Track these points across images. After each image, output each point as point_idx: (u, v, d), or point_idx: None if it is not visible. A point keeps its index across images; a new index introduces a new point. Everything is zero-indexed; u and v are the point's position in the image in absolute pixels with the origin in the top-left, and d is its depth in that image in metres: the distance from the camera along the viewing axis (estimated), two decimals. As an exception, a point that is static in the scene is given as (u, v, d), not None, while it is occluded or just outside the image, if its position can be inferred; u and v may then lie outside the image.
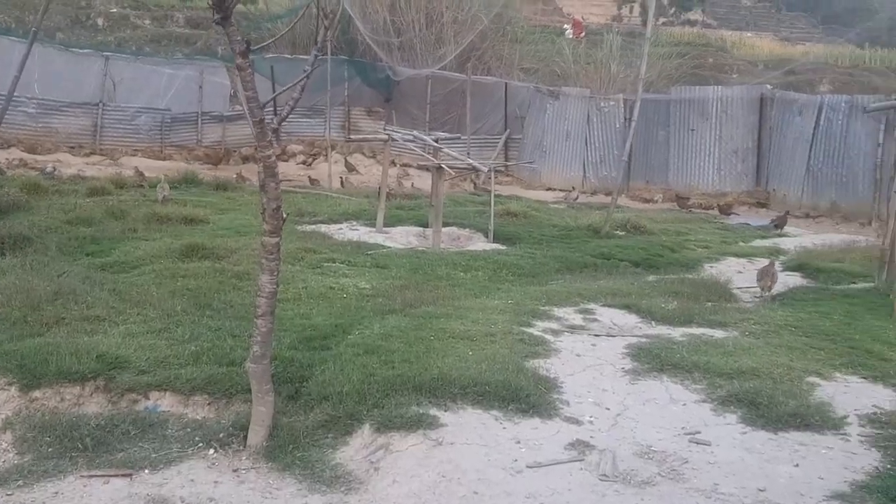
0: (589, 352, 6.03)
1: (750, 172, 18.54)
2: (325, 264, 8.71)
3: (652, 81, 22.56)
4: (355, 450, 4.39)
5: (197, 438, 4.62)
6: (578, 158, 20.73)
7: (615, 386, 5.35)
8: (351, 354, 5.57)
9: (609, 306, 7.40)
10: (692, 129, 18.94)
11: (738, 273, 9.76)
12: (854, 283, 8.77)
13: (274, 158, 4.38)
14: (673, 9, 46.10)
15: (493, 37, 24.78)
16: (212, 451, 4.49)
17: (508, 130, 22.50)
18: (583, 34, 34.02)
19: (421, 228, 11.84)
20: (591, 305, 7.43)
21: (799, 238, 13.29)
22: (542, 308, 7.18)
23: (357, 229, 11.54)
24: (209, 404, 5.02)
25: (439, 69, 22.33)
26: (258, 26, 25.21)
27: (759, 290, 8.33)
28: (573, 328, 6.68)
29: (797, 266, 9.63)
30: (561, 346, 6.10)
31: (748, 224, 14.50)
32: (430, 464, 4.13)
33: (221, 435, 4.58)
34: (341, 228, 11.59)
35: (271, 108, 17.57)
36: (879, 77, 41.35)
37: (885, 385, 5.36)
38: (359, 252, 9.57)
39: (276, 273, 4.47)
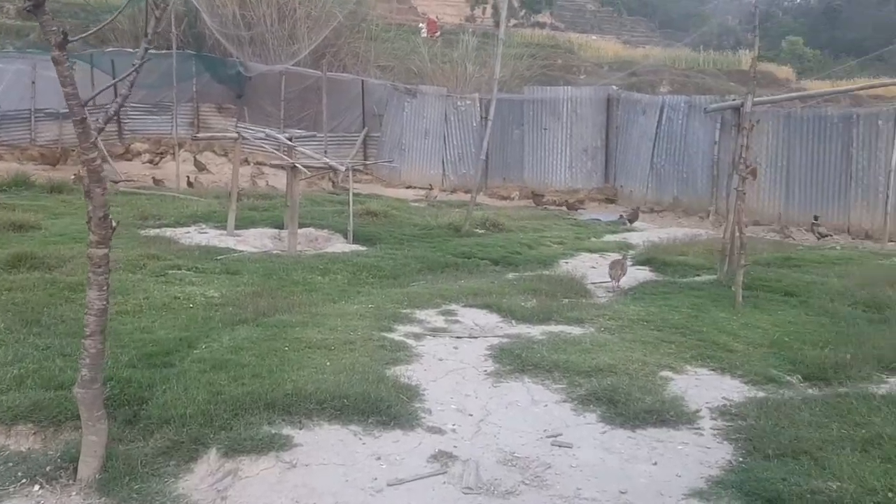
0: (451, 355, 5.91)
1: (599, 170, 19.27)
2: (170, 272, 8.12)
3: (506, 81, 22.93)
4: (200, 478, 4.01)
5: (20, 474, 4.08)
6: (437, 156, 20.79)
7: (478, 390, 5.24)
8: (196, 371, 5.15)
9: (471, 307, 7.33)
10: (545, 129, 19.44)
11: (592, 268, 10.01)
12: (698, 275, 9.19)
13: (99, 162, 3.94)
14: (523, 11, 47.65)
15: (348, 33, 24.41)
16: (37, 487, 3.98)
17: (367, 128, 22.22)
18: (437, 34, 34.30)
19: (276, 230, 11.36)
20: (453, 306, 7.33)
21: (646, 233, 13.90)
22: (404, 311, 7.01)
23: (206, 232, 10.92)
24: (34, 434, 4.46)
25: (293, 65, 21.70)
26: (98, 18, 23.56)
27: (610, 281, 8.59)
28: (435, 331, 6.54)
29: (645, 260, 10.01)
30: (423, 351, 5.95)
31: (599, 220, 15.02)
32: (282, 489, 3.83)
33: (48, 468, 4.07)
34: (189, 232, 10.93)
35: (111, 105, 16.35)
36: (712, 78, 44.43)
37: (733, 376, 5.57)
38: (208, 257, 9.02)
39: (105, 288, 4.01)
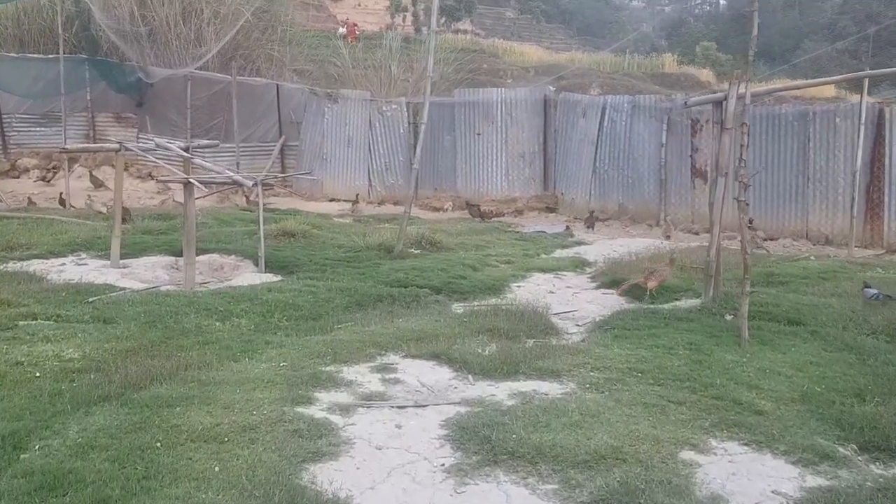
0: (393, 439, 4.30)
1: (537, 176, 17.93)
2: (21, 323, 6.25)
3: (435, 83, 21.50)
4: None
5: None
6: (363, 166, 19.11)
7: (435, 500, 3.65)
8: (18, 494, 3.41)
9: (414, 357, 5.73)
10: (478, 133, 17.99)
11: (550, 293, 8.54)
12: (677, 299, 7.83)
13: None
14: (444, 18, 47.05)
15: (259, 35, 22.47)
16: None
17: (284, 136, 20.36)
18: (357, 38, 32.66)
19: (173, 258, 9.54)
20: (392, 358, 5.72)
21: (597, 245, 12.58)
22: (327, 369, 5.35)
23: (85, 264, 9.00)
24: None
25: (198, 69, 19.67)
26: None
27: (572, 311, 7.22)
28: (370, 399, 4.91)
29: (612, 282, 8.59)
30: (354, 435, 4.32)
31: (544, 232, 13.63)
32: None
33: None
34: (64, 264, 8.98)
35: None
36: (638, 81, 44.26)
37: (774, 453, 4.15)
38: (77, 299, 7.14)
39: None
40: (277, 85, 20.46)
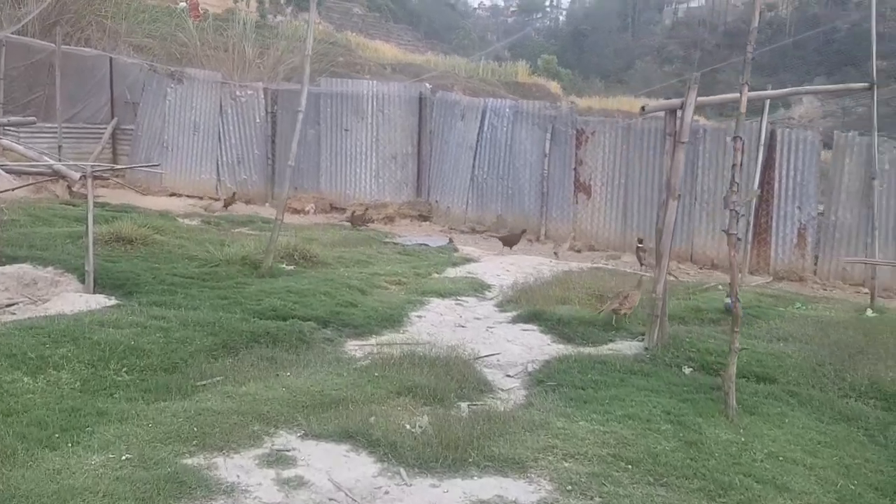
0: None
1: (410, 181, 16.51)
2: None
3: (295, 68, 19.61)
4: None
5: None
6: (211, 157, 16.85)
7: None
8: None
9: (318, 438, 4.12)
10: (346, 129, 16.30)
11: (460, 327, 7.14)
12: (612, 340, 6.66)
13: None
14: (290, 7, 45.16)
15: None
16: None
17: (116, 119, 17.68)
18: (200, 17, 29.85)
19: (-34, 268, 7.23)
20: (286, 439, 4.08)
21: (486, 262, 11.36)
22: (194, 463, 3.64)
23: None
24: None
25: (15, 34, 16.59)
26: None
27: (492, 355, 5.89)
28: (265, 520, 3.26)
29: (530, 315, 7.31)
30: None
31: (427, 245, 12.21)
32: None
33: None
34: None
35: None
36: (492, 87, 44.21)
37: None
38: None
39: None
40: (111, 58, 17.71)
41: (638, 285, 7.26)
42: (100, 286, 7.05)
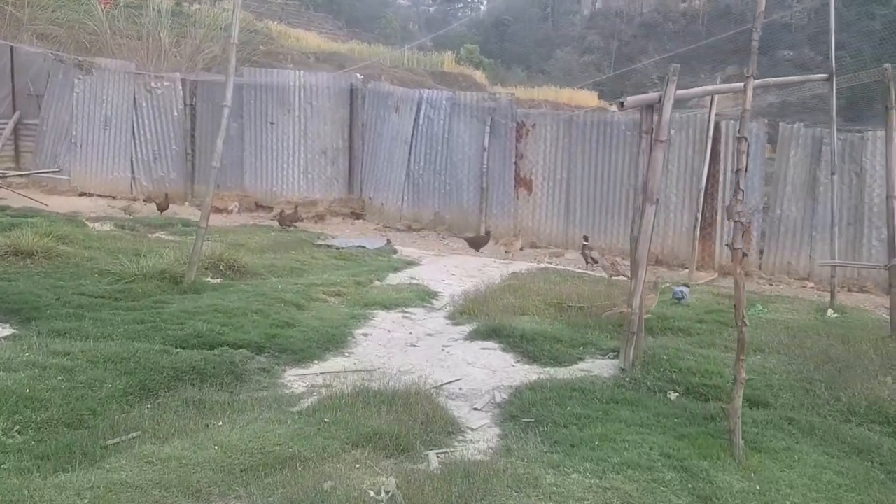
0: None
1: (342, 177, 15.65)
2: None
3: (214, 58, 18.41)
4: None
5: None
6: (124, 154, 15.59)
7: None
8: None
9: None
10: (272, 122, 15.30)
11: (412, 347, 6.42)
12: (581, 358, 6.07)
13: None
14: None
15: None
16: None
17: (19, 113, 16.19)
18: (110, 5, 28.02)
19: None
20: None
21: (428, 266, 10.67)
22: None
23: None
24: None
25: None
26: None
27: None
28: None
29: (489, 330, 6.64)
30: None
31: (364, 247, 11.41)
32: None
33: None
34: None
35: None
36: (419, 77, 43.47)
37: None
38: None
39: None
40: (12, 47, 16.18)
41: (653, 287, 6.74)
42: (-9, 312, 6.03)
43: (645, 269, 5.76)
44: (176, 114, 15.54)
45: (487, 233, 12.73)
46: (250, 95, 15.33)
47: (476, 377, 5.63)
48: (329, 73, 17.30)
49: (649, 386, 5.25)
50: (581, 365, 5.93)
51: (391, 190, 14.88)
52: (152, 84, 15.41)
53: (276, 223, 13.49)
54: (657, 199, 5.63)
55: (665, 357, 5.74)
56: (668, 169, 12.51)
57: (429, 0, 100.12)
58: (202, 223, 7.59)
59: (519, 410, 4.80)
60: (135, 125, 15.48)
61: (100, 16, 18.15)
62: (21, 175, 9.04)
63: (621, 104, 5.53)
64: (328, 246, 11.32)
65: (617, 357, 6.01)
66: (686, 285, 8.98)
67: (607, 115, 13.42)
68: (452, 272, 10.18)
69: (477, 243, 12.14)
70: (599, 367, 5.83)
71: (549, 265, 11.08)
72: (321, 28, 59.08)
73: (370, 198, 15.32)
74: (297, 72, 16.02)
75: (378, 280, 9.01)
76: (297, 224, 13.48)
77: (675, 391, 5.19)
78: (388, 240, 12.22)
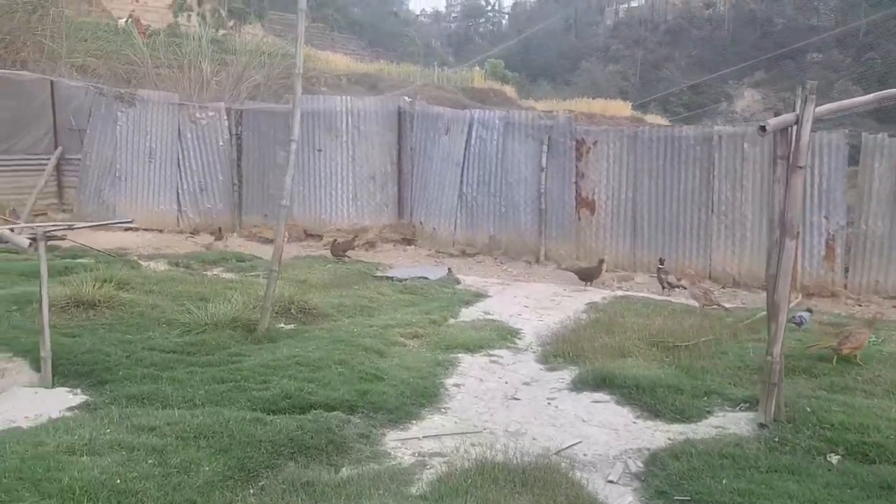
0: None
1: (391, 202, 15.17)
2: None
3: (258, 85, 18.11)
4: None
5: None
6: (170, 186, 15.26)
7: None
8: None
9: None
10: (319, 150, 14.89)
11: (513, 400, 5.84)
12: (708, 411, 5.44)
13: None
14: (232, 21, 43.76)
15: (26, 17, 17.67)
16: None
17: (61, 148, 15.96)
18: (145, 35, 28.07)
19: None
20: None
21: (497, 297, 10.10)
22: None
23: None
24: None
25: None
26: None
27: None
28: None
29: (596, 379, 6.04)
30: None
31: (426, 278, 10.88)
32: None
33: None
34: None
35: None
36: (449, 93, 43.15)
37: None
38: None
39: None
40: (52, 81, 15.96)
41: (869, 323, 6.20)
42: (60, 374, 5.58)
43: (786, 310, 5.12)
44: (221, 144, 15.20)
45: (601, 262, 11.65)
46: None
47: (597, 438, 5.04)
48: (376, 97, 16.91)
49: (804, 447, 4.62)
50: (712, 420, 5.30)
51: (443, 214, 14.35)
52: (197, 114, 15.09)
53: (327, 253, 13.05)
54: (798, 233, 5.01)
55: (809, 409, 5.10)
56: (743, 185, 11.86)
57: (450, 16, 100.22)
58: (273, 266, 7.09)
59: (667, 485, 4.20)
60: (180, 157, 15.16)
61: (140, 46, 17.92)
62: (90, 226, 8.55)
63: (762, 128, 4.92)
64: (388, 278, 10.81)
65: (750, 409, 5.38)
66: (809, 310, 8.26)
67: (675, 131, 12.76)
68: (525, 303, 9.61)
69: (589, 275, 11.28)
70: (734, 423, 5.20)
71: (626, 293, 10.45)
72: (346, 49, 59.18)
73: (421, 223, 14.80)
74: (344, 97, 15.61)
75: (452, 317, 8.46)
76: (349, 253, 12.99)
77: (835, 453, 4.55)
78: (449, 269, 11.68)
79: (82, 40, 20.69)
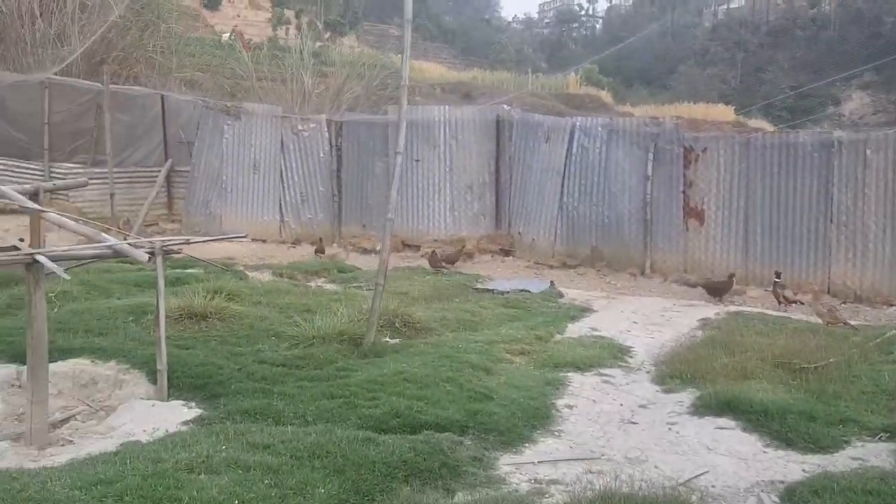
0: None
1: (489, 212, 15.01)
2: None
3: (358, 97, 18.35)
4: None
5: None
6: (273, 197, 15.59)
7: None
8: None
9: None
10: (417, 160, 14.89)
11: (630, 424, 5.56)
12: (845, 440, 5.01)
13: None
14: (328, 34, 44.87)
15: (137, 34, 18.49)
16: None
17: (171, 160, 16.57)
18: (249, 49, 29.06)
19: (13, 368, 5.92)
20: None
21: (603, 312, 9.77)
22: None
23: None
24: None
25: (59, 74, 15.60)
26: None
27: None
28: None
29: (720, 404, 5.67)
30: None
31: (528, 291, 10.66)
32: None
33: None
34: None
35: None
36: (544, 100, 42.73)
37: None
38: None
39: None
40: (162, 96, 16.62)
41: None
42: (174, 387, 5.65)
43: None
44: (322, 155, 15.43)
45: (731, 276, 11.11)
46: (395, 133, 14.97)
47: (725, 469, 4.70)
48: (474, 107, 16.88)
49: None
50: (850, 451, 4.87)
51: (542, 224, 14.07)
52: (299, 126, 15.38)
53: (425, 263, 13.00)
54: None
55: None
56: (865, 193, 11.11)
57: (542, 22, 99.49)
58: (379, 279, 7.04)
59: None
60: (282, 168, 15.48)
61: (245, 60, 18.47)
62: (206, 241, 8.80)
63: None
64: (489, 290, 10.65)
65: (891, 439, 4.93)
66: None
67: (790, 137, 12.08)
68: (633, 319, 9.25)
69: (718, 290, 10.84)
70: (875, 455, 4.76)
71: (739, 308, 9.93)
72: (438, 57, 59.68)
73: (519, 233, 14.58)
74: (442, 107, 15.61)
75: (558, 333, 8.21)
76: (449, 266, 12.88)
77: None
78: (551, 281, 11.39)
79: (190, 55, 21.53)
